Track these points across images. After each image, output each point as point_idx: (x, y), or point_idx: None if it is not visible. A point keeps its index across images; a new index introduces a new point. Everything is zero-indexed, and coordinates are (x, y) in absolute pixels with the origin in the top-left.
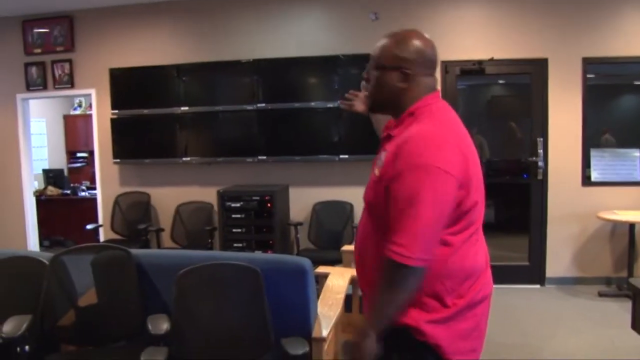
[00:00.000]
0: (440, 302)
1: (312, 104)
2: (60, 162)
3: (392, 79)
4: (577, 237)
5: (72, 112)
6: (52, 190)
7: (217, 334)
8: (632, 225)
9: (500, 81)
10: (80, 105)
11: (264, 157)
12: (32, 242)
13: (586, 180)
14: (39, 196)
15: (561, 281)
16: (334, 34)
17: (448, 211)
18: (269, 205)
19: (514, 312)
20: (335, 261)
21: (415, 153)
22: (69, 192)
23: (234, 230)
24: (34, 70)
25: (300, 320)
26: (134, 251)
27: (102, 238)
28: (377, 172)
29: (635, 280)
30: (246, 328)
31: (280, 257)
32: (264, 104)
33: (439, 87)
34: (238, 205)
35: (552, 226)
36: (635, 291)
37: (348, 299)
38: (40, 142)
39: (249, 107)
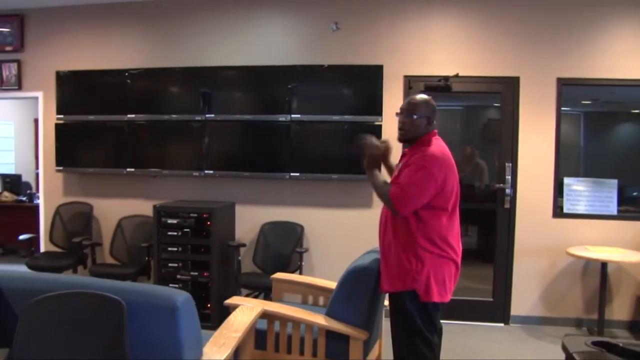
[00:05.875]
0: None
1: (264, 117)
2: (28, 166)
3: (421, 123)
4: (546, 272)
5: None
6: (6, 196)
7: None
8: (604, 264)
9: (496, 104)
10: None
11: (211, 172)
12: None
13: (558, 211)
14: None
15: (527, 320)
16: (292, 43)
17: (426, 193)
18: (208, 223)
19: (474, 353)
20: None
21: (423, 160)
22: (24, 198)
23: (169, 248)
24: None
25: None
26: None
27: (42, 249)
28: (396, 173)
29: (569, 341)
30: None
31: (152, 288)
32: (212, 115)
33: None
34: (175, 222)
35: (519, 259)
36: (568, 355)
37: (262, 335)
38: (7, 146)
39: (198, 118)
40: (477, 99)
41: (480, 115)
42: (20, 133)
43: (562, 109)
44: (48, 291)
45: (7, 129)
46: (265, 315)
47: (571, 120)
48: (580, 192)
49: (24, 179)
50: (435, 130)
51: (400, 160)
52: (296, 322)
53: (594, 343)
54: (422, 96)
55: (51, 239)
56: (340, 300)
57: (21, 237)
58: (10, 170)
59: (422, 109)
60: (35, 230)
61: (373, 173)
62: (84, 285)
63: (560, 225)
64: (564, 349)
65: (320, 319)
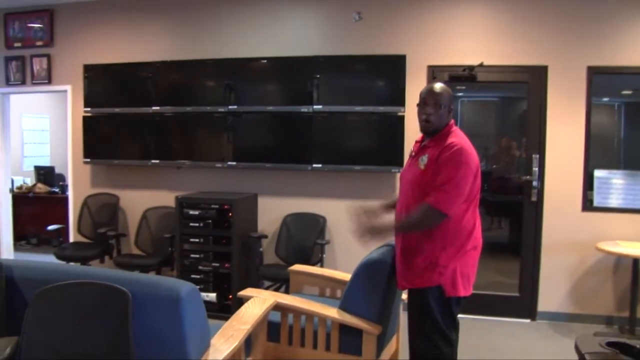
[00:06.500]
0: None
1: (287, 108)
2: (63, 158)
3: (445, 113)
4: (575, 268)
5: None
6: (40, 188)
7: None
8: (636, 260)
9: (523, 95)
10: None
11: (234, 163)
12: (5, 240)
13: (588, 205)
14: (27, 193)
15: (554, 317)
16: (314, 33)
17: (467, 188)
18: (229, 215)
19: (499, 349)
20: None
21: (458, 155)
22: (57, 190)
23: (191, 240)
24: (13, 64)
25: (176, 355)
26: (6, 261)
27: (71, 240)
28: (422, 167)
29: (582, 341)
30: (108, 358)
31: (157, 279)
32: (235, 106)
33: None
34: (196, 213)
35: (546, 254)
36: (580, 356)
37: (275, 327)
38: (43, 139)
39: (221, 109)
40: (502, 89)
41: (506, 105)
42: (55, 126)
43: (603, 99)
44: (59, 280)
45: (43, 122)
46: (278, 307)
47: (611, 111)
48: (612, 184)
49: (59, 171)
50: (453, 120)
51: (419, 151)
52: (309, 315)
53: (609, 344)
54: (441, 85)
55: (79, 229)
56: (353, 293)
57: (50, 227)
58: (46, 162)
59: (446, 99)
60: (66, 221)
61: (398, 226)
62: (91, 275)
63: (590, 219)
64: (577, 349)
65: (333, 313)
